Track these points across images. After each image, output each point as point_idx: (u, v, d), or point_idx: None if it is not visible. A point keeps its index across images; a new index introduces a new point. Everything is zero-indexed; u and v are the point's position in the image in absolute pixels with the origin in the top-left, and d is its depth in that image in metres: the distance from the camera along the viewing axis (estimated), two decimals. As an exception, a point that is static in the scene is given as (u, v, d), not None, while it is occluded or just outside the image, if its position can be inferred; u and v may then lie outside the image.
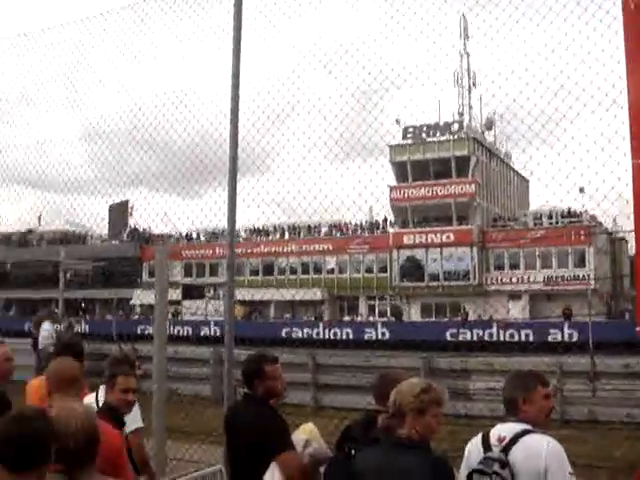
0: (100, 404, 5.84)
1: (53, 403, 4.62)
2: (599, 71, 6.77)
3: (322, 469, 4.81)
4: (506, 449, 3.96)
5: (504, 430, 4.09)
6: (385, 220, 61.38)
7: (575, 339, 36.42)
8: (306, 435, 5.01)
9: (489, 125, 60.01)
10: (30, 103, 11.29)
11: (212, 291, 58.00)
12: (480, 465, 3.97)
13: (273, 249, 63.09)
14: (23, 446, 3.19)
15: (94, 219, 11.39)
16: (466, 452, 4.30)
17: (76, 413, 3.62)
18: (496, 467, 3.89)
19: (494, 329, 40.11)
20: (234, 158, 7.83)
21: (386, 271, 59.20)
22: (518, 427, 4.05)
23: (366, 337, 42.05)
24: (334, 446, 4.95)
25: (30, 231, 66.72)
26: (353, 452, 4.26)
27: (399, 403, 3.93)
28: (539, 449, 3.92)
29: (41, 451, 3.25)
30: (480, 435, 4.23)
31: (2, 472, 3.18)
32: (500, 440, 4.04)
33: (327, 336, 43.35)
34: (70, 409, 3.69)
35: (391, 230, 60.36)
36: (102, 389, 6.12)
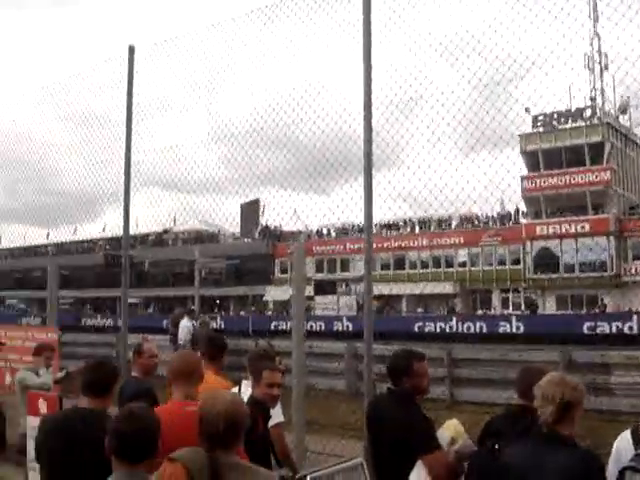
0: (242, 398, 5.96)
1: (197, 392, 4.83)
2: None
3: (465, 464, 4.75)
4: None
5: None
6: (517, 211, 60.20)
7: None
8: (451, 432, 4.95)
9: (623, 109, 57.69)
10: (162, 108, 11.66)
11: (344, 286, 58.42)
12: (632, 462, 3.80)
13: (404, 243, 62.86)
14: (136, 441, 3.66)
15: (226, 218, 11.61)
16: (614, 448, 4.14)
17: (221, 400, 3.84)
18: None
19: (634, 322, 38.49)
20: (368, 154, 7.81)
21: (519, 263, 58.05)
22: None
23: (500, 330, 41.22)
24: (476, 441, 4.88)
25: (166, 231, 68.99)
26: (497, 447, 4.17)
27: (565, 397, 3.79)
28: None
29: (150, 445, 3.71)
30: (629, 431, 4.06)
31: (120, 465, 3.67)
32: None
33: (460, 330, 42.79)
34: (215, 396, 3.94)
35: (523, 221, 59.12)
36: (244, 383, 6.26)
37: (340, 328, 45.31)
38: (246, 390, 6.10)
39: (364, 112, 7.90)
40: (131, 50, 11.20)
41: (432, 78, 8.21)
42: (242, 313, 60.71)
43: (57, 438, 4.61)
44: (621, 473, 3.84)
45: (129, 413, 3.85)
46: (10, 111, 14.67)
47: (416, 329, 43.58)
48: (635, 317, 38.90)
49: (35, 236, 15.79)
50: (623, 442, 4.08)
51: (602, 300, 50.76)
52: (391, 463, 4.92)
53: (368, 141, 7.82)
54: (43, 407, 6.71)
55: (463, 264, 60.96)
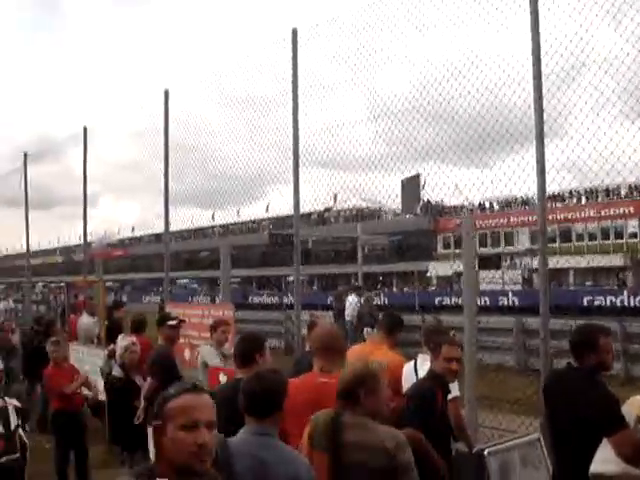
0: (418, 373, 6.02)
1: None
2: None
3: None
4: None
5: None
6: (691, 178, 57.02)
7: None
8: (637, 410, 4.78)
9: None
10: (322, 89, 11.82)
11: (508, 260, 57.32)
12: None
13: (570, 215, 60.84)
14: (263, 398, 4.07)
15: (388, 195, 11.62)
16: None
17: (357, 365, 4.44)
18: None
19: None
20: (540, 125, 7.65)
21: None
22: None
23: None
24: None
25: (327, 210, 69.83)
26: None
27: None
28: None
29: (273, 402, 4.10)
30: None
31: (249, 420, 4.11)
32: None
33: (632, 304, 41.11)
34: (354, 363, 4.60)
35: (698, 188, 55.95)
36: (420, 357, 6.30)
37: (506, 303, 44.62)
38: (423, 364, 6.15)
39: (534, 81, 7.75)
40: (294, 33, 11.47)
41: (595, 43, 7.89)
42: (405, 289, 60.75)
43: (222, 407, 4.90)
44: None
45: (256, 375, 4.32)
46: (179, 98, 15.27)
47: (585, 303, 42.26)
48: None
49: (201, 218, 16.37)
50: None
51: None
52: (572, 441, 4.81)
53: (539, 112, 7.66)
54: (223, 380, 6.98)
55: (634, 235, 58.38)
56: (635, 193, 58.66)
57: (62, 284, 20.20)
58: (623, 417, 4.64)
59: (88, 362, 12.12)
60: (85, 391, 10.17)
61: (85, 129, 18.76)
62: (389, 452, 3.91)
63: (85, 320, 14.97)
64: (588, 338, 4.97)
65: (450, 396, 5.70)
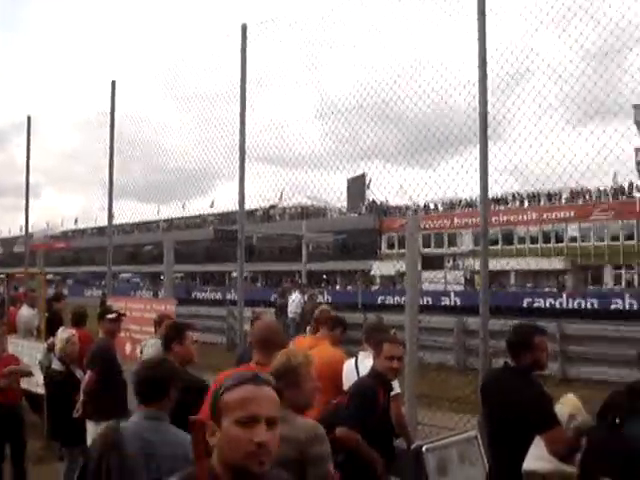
0: (359, 370, 6.08)
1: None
2: None
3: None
4: None
5: None
6: (631, 185, 58.25)
7: None
8: (569, 408, 4.91)
9: None
10: (266, 86, 11.86)
11: (451, 261, 57.95)
12: None
13: (512, 218, 61.77)
14: (150, 385, 4.28)
15: (333, 193, 11.69)
16: None
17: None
18: None
19: None
20: (484, 128, 7.76)
21: (633, 239, 56.27)
22: None
23: (612, 307, 40.28)
24: (595, 415, 4.82)
25: (273, 207, 69.74)
26: (618, 421, 4.11)
27: None
28: None
29: (158, 389, 4.28)
30: None
31: (141, 406, 4.27)
32: None
33: (571, 306, 41.98)
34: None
35: (638, 195, 57.15)
36: (362, 354, 6.36)
37: (448, 303, 45.18)
38: (363, 361, 6.21)
39: (479, 84, 7.86)
40: (244, 29, 11.45)
41: (540, 50, 8.06)
42: (349, 287, 61.03)
43: None
44: None
45: (144, 363, 4.66)
46: (127, 90, 15.15)
47: (525, 304, 43.02)
48: None
49: (146, 212, 16.29)
50: None
51: None
52: (507, 438, 4.91)
53: (482, 114, 7.77)
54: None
55: (574, 239, 59.52)
56: (576, 198, 59.79)
57: (2, 276, 19.79)
58: (556, 415, 4.75)
59: (27, 355, 11.93)
60: (25, 384, 10.02)
61: (29, 118, 18.48)
62: (300, 444, 3.90)
63: (25, 312, 14.72)
64: (524, 338, 5.07)
65: (392, 393, 5.78)
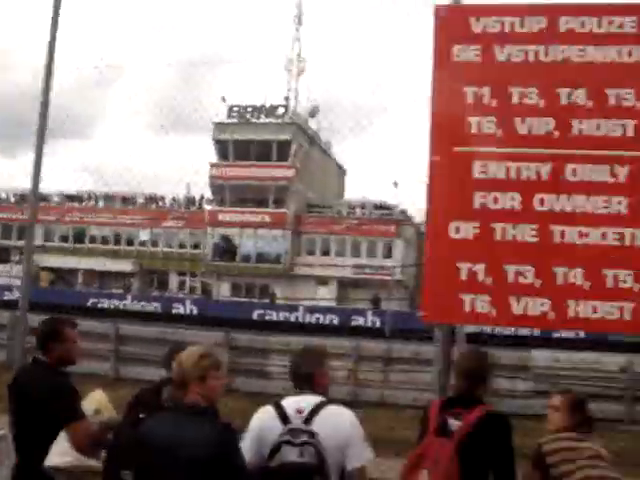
0: None
1: None
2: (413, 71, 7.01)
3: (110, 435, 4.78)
4: (307, 420, 4.00)
5: (301, 402, 4.10)
6: (202, 197, 61.15)
7: (378, 325, 38.35)
8: (95, 404, 4.96)
9: (313, 113, 60.93)
10: None
11: (19, 255, 55.68)
12: (287, 436, 3.95)
13: (85, 217, 61.31)
14: None
15: None
16: (256, 425, 4.15)
17: None
18: (305, 437, 3.91)
19: (300, 312, 41.11)
20: (43, 125, 7.64)
21: (199, 248, 59.07)
22: (316, 399, 4.08)
23: (174, 312, 41.93)
24: (124, 410, 4.93)
25: None
26: (142, 416, 4.25)
27: (182, 372, 3.90)
28: (343, 418, 4.02)
29: None
30: (269, 407, 4.18)
31: None
32: (300, 411, 4.05)
33: (135, 308, 42.82)
34: None
35: (207, 207, 60.13)
36: None
37: (11, 297, 43.35)
38: None
39: (42, 97, 7.74)
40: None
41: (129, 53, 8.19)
42: None
43: None
44: (276, 448, 3.97)
45: None
46: None
47: (89, 304, 42.88)
48: (301, 308, 41.56)
49: None
50: (266, 419, 4.12)
51: (273, 291, 53.01)
52: (34, 434, 4.80)
53: (44, 115, 7.67)
54: None
55: (144, 243, 60.72)
56: (149, 204, 61.33)
57: None
58: (80, 409, 4.76)
59: None
60: None
61: None
62: None
63: None
64: (53, 329, 4.99)
65: None
